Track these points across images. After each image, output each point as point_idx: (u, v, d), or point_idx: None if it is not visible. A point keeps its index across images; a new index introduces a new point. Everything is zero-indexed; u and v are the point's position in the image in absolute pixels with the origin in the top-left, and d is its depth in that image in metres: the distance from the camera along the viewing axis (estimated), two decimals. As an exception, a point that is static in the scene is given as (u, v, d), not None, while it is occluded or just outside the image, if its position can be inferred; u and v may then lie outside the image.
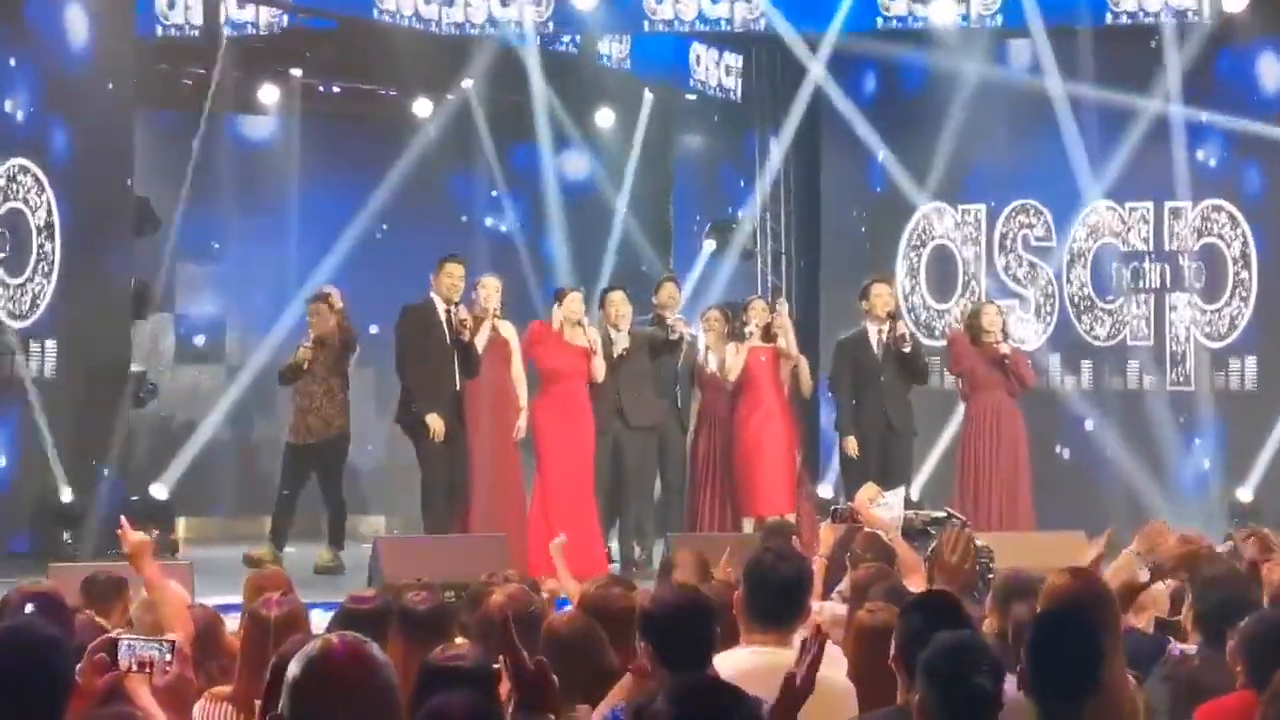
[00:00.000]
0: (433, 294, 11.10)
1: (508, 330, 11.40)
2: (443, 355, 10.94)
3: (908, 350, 11.92)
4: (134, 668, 3.89)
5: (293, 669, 3.12)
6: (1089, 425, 14.36)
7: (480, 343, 11.09)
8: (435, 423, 10.85)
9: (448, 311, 11.01)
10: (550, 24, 13.82)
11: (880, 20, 13.97)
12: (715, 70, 15.32)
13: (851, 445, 11.96)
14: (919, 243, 15.21)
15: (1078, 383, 14.67)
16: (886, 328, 11.93)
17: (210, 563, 10.72)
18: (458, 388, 11.04)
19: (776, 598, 4.87)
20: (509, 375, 11.37)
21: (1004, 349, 12.06)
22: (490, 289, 11.32)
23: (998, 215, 14.89)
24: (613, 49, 14.68)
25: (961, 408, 12.59)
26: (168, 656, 3.91)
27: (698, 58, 15.25)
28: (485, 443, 11.15)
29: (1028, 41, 14.38)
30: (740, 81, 15.49)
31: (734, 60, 15.41)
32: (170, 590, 5.56)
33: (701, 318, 12.46)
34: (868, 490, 7.08)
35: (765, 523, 11.09)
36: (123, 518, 5.76)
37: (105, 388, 12.46)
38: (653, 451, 12.03)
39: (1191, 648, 5.29)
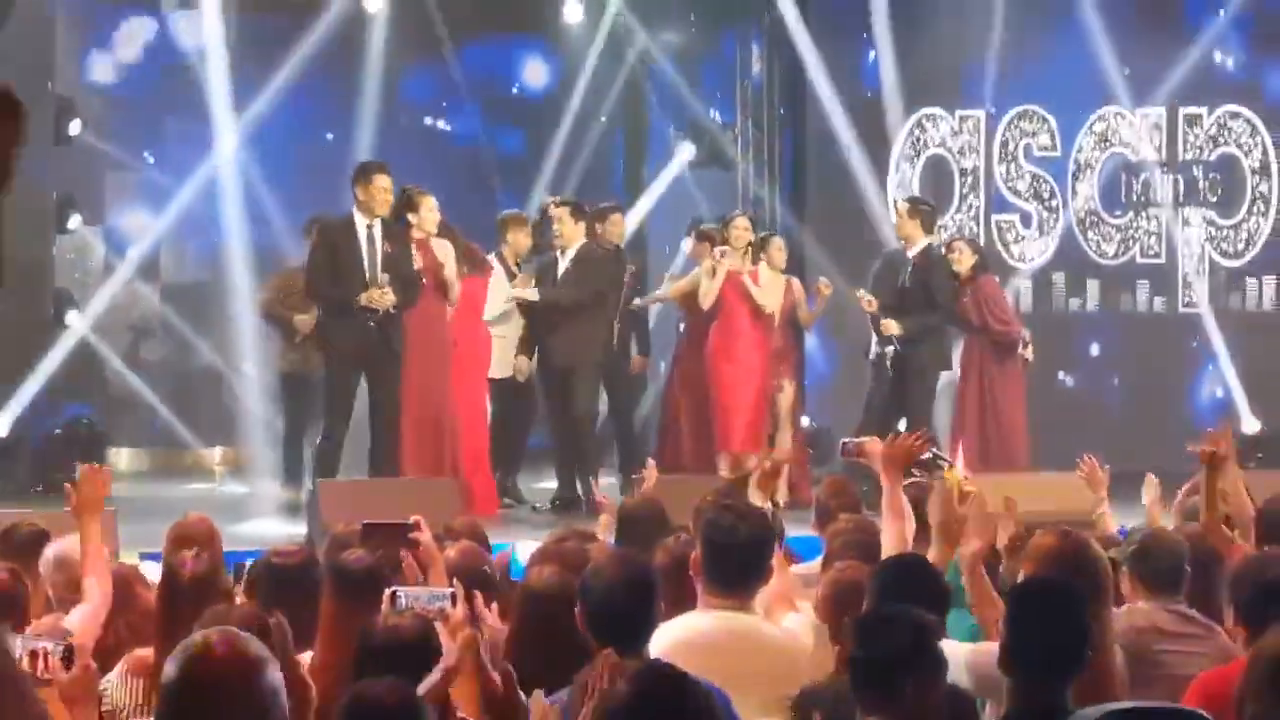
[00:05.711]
0: (354, 209, 10.47)
1: (443, 251, 11.06)
2: (354, 278, 10.38)
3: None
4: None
5: (168, 668, 3.09)
6: (1094, 351, 14.30)
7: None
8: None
9: (369, 227, 10.54)
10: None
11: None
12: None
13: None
14: (912, 153, 15.12)
15: (1083, 304, 14.64)
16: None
17: (139, 503, 10.39)
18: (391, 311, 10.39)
19: (737, 560, 4.88)
20: (443, 302, 11.11)
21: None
22: (429, 208, 10.97)
23: (998, 122, 14.82)
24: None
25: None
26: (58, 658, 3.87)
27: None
28: (415, 377, 10.93)
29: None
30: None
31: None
32: (102, 561, 5.39)
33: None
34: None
35: (734, 459, 11.20)
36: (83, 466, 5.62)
37: (27, 308, 12.35)
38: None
39: None
